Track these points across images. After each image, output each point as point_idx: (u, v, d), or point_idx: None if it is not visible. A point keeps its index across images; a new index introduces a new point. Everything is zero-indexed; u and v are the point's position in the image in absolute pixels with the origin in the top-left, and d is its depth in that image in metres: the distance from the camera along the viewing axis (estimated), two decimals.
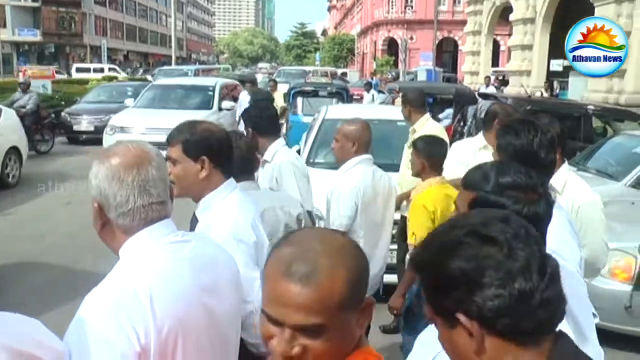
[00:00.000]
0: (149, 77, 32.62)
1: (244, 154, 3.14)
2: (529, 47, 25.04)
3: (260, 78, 32.88)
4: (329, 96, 12.93)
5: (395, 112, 9.66)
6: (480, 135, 4.78)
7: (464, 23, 48.20)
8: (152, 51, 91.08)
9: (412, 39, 52.40)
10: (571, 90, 20.55)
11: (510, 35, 33.99)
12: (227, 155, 2.49)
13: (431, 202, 4.04)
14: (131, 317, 1.60)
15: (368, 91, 16.49)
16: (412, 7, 64.36)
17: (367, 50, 73.82)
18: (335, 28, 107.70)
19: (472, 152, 4.63)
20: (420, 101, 5.65)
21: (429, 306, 1.27)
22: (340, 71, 37.39)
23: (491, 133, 4.60)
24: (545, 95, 19.96)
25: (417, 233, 3.97)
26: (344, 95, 13.10)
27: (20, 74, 44.11)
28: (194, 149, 2.40)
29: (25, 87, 14.83)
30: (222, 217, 2.41)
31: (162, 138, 10.90)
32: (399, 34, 63.48)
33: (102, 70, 45.31)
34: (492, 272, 1.16)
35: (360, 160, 3.88)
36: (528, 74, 25.16)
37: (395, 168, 5.67)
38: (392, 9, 65.26)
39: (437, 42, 61.26)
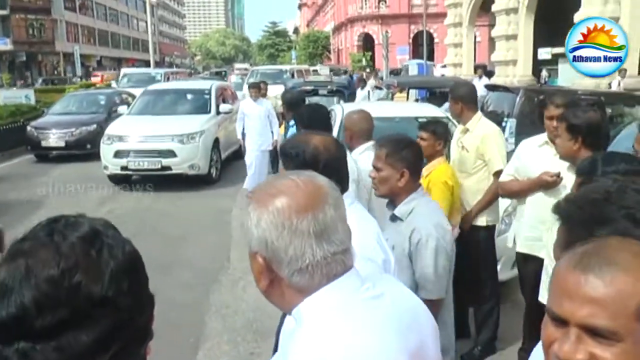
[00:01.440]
0: (113, 84, 31.60)
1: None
2: (514, 37, 24.84)
3: (232, 79, 31.85)
4: (329, 94, 12.51)
5: (414, 109, 9.40)
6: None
7: (438, 15, 48.29)
8: (125, 55, 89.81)
9: (386, 32, 52.11)
10: (561, 77, 20.35)
11: (489, 25, 33.87)
12: (331, 169, 2.15)
13: (449, 178, 4.50)
14: None
15: (362, 88, 16.00)
16: (385, 2, 64.25)
17: (342, 47, 73.55)
18: (307, 25, 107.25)
19: (532, 149, 4.46)
20: (473, 97, 5.18)
21: (560, 249, 1.44)
22: (312, 68, 36.72)
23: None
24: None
25: (441, 205, 4.23)
26: (344, 93, 12.68)
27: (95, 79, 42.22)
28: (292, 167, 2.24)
29: None
30: None
31: (162, 145, 10.15)
32: (373, 29, 63.39)
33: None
34: None
35: (366, 146, 4.19)
36: (514, 63, 24.98)
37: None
38: (366, 4, 65.07)
39: (413, 35, 61.47)
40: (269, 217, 1.32)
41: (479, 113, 5.14)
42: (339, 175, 2.14)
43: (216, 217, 9.64)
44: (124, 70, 32.56)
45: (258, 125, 11.06)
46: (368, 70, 28.33)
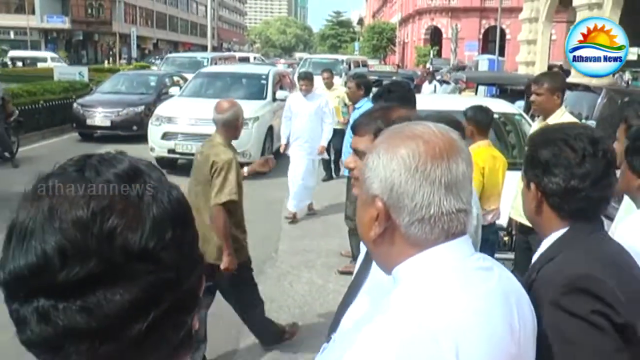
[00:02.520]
0: (154, 66, 31.64)
1: None
2: None
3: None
4: None
5: (485, 104, 9.13)
6: None
7: (512, 10, 47.30)
8: (182, 39, 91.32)
9: (456, 26, 51.55)
10: None
11: (567, 22, 32.94)
12: None
13: (481, 160, 4.75)
14: None
15: (430, 82, 15.76)
16: None
17: (408, 40, 72.97)
18: (373, 16, 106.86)
19: None
20: (561, 87, 4.94)
21: (524, 168, 1.96)
22: (369, 61, 36.41)
23: None
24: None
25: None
26: (410, 85, 12.47)
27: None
28: None
29: None
30: None
31: (212, 129, 10.05)
32: (442, 22, 62.70)
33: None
34: (562, 169, 1.83)
35: None
36: None
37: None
38: None
39: (484, 30, 60.52)
40: (403, 159, 1.28)
41: (563, 107, 4.88)
42: None
43: (266, 207, 9.56)
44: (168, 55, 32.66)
45: (308, 126, 9.30)
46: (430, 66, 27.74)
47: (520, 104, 12.53)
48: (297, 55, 71.76)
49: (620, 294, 1.67)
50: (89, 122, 15.40)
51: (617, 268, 1.76)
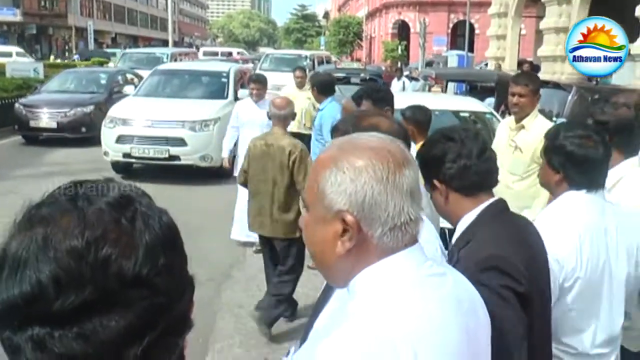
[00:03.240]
0: (111, 64, 30.82)
1: None
2: (564, 30, 24.32)
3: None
4: (362, 83, 12.37)
5: (455, 102, 9.27)
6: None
7: (480, 5, 47.69)
8: (142, 34, 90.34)
9: (424, 20, 51.93)
10: (615, 76, 19.90)
11: (536, 17, 33.44)
12: None
13: None
14: None
15: (399, 78, 15.88)
16: None
17: (375, 34, 73.28)
18: (339, 10, 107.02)
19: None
20: (539, 87, 5.06)
21: (424, 178, 2.25)
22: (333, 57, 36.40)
23: None
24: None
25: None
26: (378, 82, 12.54)
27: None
28: None
29: None
30: None
31: (170, 132, 10.34)
32: (410, 17, 63.01)
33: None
34: (451, 155, 2.25)
35: None
36: (562, 60, 24.46)
37: None
38: None
39: (452, 25, 61.00)
40: (374, 170, 1.30)
41: (536, 109, 4.99)
42: None
43: (233, 208, 9.53)
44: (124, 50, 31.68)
45: None
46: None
47: (490, 101, 12.66)
48: (261, 49, 71.56)
49: (522, 268, 2.07)
50: (32, 123, 14.68)
51: (520, 245, 2.19)
